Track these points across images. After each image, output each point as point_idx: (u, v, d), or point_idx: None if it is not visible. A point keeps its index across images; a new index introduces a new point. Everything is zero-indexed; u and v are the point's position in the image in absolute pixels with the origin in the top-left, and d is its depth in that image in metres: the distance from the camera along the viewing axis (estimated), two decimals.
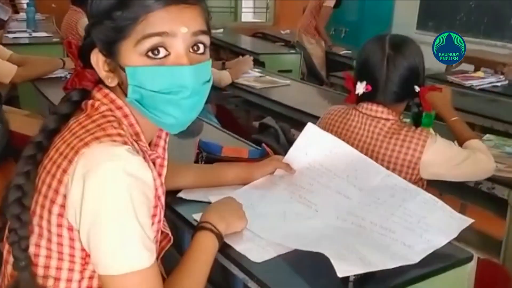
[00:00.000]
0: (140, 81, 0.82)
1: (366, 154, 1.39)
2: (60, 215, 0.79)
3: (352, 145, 1.40)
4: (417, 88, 1.52)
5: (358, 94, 1.53)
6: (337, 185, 1.26)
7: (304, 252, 1.02)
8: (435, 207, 1.16)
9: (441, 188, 1.86)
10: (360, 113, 1.56)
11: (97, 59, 0.86)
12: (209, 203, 1.25)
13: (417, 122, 1.56)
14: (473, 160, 1.54)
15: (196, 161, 1.55)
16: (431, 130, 1.58)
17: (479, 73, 3.76)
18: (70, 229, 0.79)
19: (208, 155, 1.55)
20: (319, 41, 5.06)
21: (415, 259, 1.03)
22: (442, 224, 1.12)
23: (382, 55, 1.49)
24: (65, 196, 0.78)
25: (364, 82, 1.51)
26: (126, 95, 0.85)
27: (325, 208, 1.20)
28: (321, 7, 5.00)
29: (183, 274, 0.93)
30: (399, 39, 1.53)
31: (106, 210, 0.76)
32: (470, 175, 1.61)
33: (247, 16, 7.97)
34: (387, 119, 1.52)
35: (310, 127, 1.42)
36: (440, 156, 1.50)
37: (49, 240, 0.81)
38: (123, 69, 0.83)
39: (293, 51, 4.72)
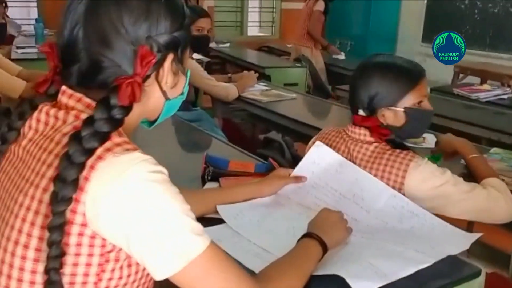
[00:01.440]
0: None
1: None
2: (80, 234, 0.76)
3: None
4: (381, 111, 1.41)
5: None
6: (344, 206, 1.25)
7: None
8: (445, 230, 1.18)
9: None
10: (347, 137, 1.47)
11: (171, 64, 0.87)
12: (217, 217, 1.25)
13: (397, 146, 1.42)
14: (478, 195, 1.35)
15: (203, 176, 1.56)
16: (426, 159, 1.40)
17: (486, 86, 3.75)
18: (92, 245, 0.77)
19: (215, 170, 1.56)
20: (315, 51, 5.11)
21: (430, 260, 1.03)
22: (453, 240, 1.13)
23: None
24: (84, 215, 0.76)
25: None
26: (166, 98, 0.90)
27: None
28: (311, 14, 5.07)
29: (280, 271, 0.94)
30: (369, 61, 1.47)
31: (150, 216, 0.75)
32: (475, 213, 1.38)
33: (253, 30, 8.03)
34: (370, 142, 1.42)
35: (318, 145, 1.43)
36: (425, 184, 1.33)
37: (63, 264, 0.77)
38: (185, 73, 0.92)
39: (298, 64, 4.75)
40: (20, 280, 0.78)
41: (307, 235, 1.07)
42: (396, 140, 1.42)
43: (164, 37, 0.84)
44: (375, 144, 1.42)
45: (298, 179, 1.38)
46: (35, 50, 4.19)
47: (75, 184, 0.75)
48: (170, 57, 0.86)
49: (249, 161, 1.73)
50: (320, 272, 1.01)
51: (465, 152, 1.60)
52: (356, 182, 1.31)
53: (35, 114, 0.85)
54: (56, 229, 0.74)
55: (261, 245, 1.13)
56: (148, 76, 0.83)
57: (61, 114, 0.82)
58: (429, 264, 1.03)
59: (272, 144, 2.00)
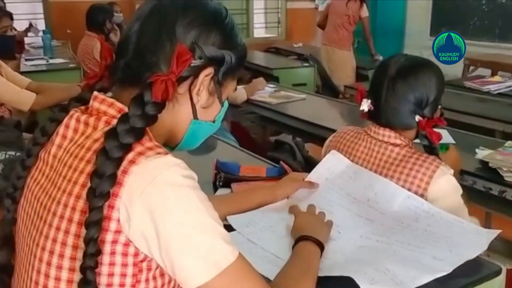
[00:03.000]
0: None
1: None
2: (114, 241, 0.75)
3: None
4: (417, 117, 1.35)
5: (363, 111, 1.43)
6: (358, 209, 1.24)
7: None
8: (461, 228, 1.15)
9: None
10: (369, 137, 1.44)
11: (209, 81, 0.86)
12: (227, 225, 1.24)
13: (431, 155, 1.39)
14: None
15: (214, 182, 1.55)
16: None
17: (497, 77, 3.71)
18: (125, 254, 0.76)
19: (226, 175, 1.55)
20: (345, 52, 5.07)
21: (448, 269, 1.01)
22: (471, 240, 1.11)
23: (385, 75, 1.38)
24: (118, 221, 0.75)
25: (370, 100, 1.40)
26: (195, 116, 0.88)
27: (348, 229, 1.19)
28: (353, 20, 5.01)
29: (294, 279, 0.95)
30: (410, 64, 1.39)
31: (184, 222, 0.75)
32: None
33: (259, 32, 8.01)
34: (395, 144, 1.39)
35: (333, 153, 1.43)
36: (447, 193, 1.33)
37: (98, 274, 0.75)
38: (221, 101, 0.90)
39: (306, 64, 4.73)
40: None
41: (300, 238, 1.07)
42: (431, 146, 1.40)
43: (209, 48, 0.84)
44: (401, 147, 1.39)
45: (312, 184, 1.37)
46: (44, 62, 4.22)
47: (113, 179, 0.74)
48: (209, 70, 0.84)
49: (260, 165, 1.72)
50: (336, 273, 1.00)
51: None
52: (370, 186, 1.29)
53: (65, 119, 0.85)
54: (94, 225, 0.73)
55: (275, 253, 1.12)
56: (183, 79, 0.82)
57: (91, 120, 0.82)
58: (447, 273, 1.00)
59: (283, 147, 1.99)
